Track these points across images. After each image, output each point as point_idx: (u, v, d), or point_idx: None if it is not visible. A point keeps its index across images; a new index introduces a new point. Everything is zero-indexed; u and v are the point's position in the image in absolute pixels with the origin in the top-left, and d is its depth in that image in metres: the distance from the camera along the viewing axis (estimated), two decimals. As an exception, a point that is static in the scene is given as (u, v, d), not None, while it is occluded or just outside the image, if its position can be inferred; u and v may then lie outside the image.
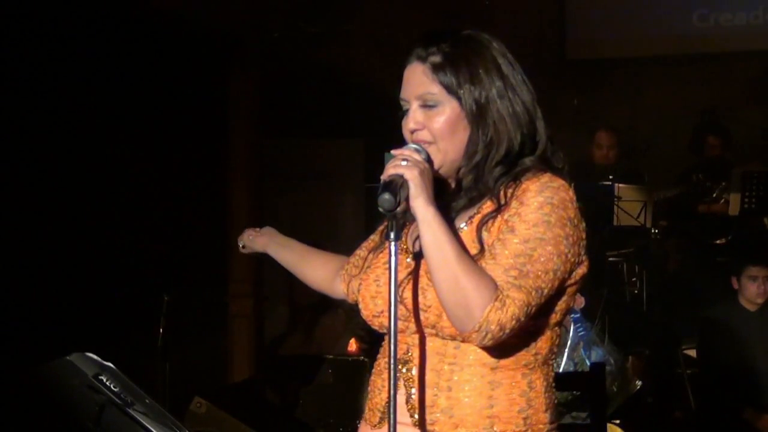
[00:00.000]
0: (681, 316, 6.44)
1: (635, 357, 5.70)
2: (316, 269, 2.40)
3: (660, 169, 7.74)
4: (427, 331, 1.93)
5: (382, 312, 1.97)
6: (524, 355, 1.93)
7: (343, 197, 7.62)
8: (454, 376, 1.91)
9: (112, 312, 5.05)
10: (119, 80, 5.33)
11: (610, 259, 6.87)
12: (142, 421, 2.64)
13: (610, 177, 6.87)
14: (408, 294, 1.92)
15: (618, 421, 4.28)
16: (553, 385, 1.99)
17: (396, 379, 1.83)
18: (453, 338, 1.90)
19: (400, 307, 1.91)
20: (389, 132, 2.04)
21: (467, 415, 1.90)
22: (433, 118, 1.95)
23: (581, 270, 1.95)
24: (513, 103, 1.95)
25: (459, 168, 1.97)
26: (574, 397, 3.76)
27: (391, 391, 1.81)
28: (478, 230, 1.91)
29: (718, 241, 7.18)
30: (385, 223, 1.84)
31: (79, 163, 5.08)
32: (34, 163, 4.84)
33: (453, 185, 2.00)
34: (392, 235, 1.81)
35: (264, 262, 6.16)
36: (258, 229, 2.57)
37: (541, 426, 1.94)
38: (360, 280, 2.06)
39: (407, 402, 1.95)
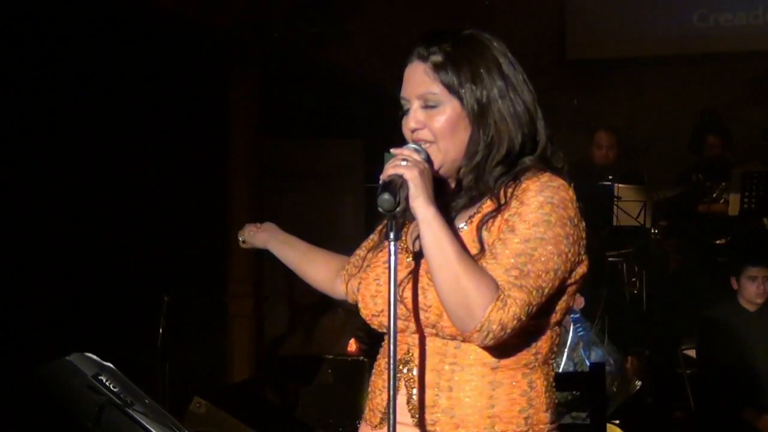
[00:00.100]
0: (681, 316, 6.44)
1: (635, 357, 5.70)
2: (317, 268, 2.39)
3: (660, 169, 7.74)
4: (427, 330, 1.93)
5: (381, 311, 1.97)
6: (525, 355, 1.93)
7: (343, 197, 7.62)
8: (455, 376, 1.91)
9: (112, 312, 5.05)
10: (119, 80, 5.33)
11: (610, 259, 6.87)
12: (141, 421, 2.65)
13: (610, 177, 6.88)
14: (408, 294, 1.92)
15: (618, 421, 4.28)
16: (554, 384, 1.99)
17: (396, 379, 1.83)
18: (453, 338, 1.90)
19: (400, 306, 1.91)
20: (389, 132, 2.04)
21: (468, 415, 1.90)
22: (434, 118, 1.94)
23: (581, 269, 1.95)
24: (514, 103, 1.95)
25: (459, 168, 1.97)
26: (574, 397, 3.76)
27: (391, 392, 1.81)
28: (478, 230, 1.91)
29: (717, 241, 7.18)
30: (385, 223, 1.84)
31: (79, 163, 5.08)
32: (34, 163, 4.84)
33: (453, 185, 2.00)
34: (392, 235, 1.81)
35: (264, 262, 6.18)
36: (259, 224, 2.55)
37: (542, 426, 1.94)
38: (359, 279, 2.05)
39: (408, 402, 1.94)
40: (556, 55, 8.81)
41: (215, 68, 6.24)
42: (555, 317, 1.96)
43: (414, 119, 1.95)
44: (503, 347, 1.88)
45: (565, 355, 3.95)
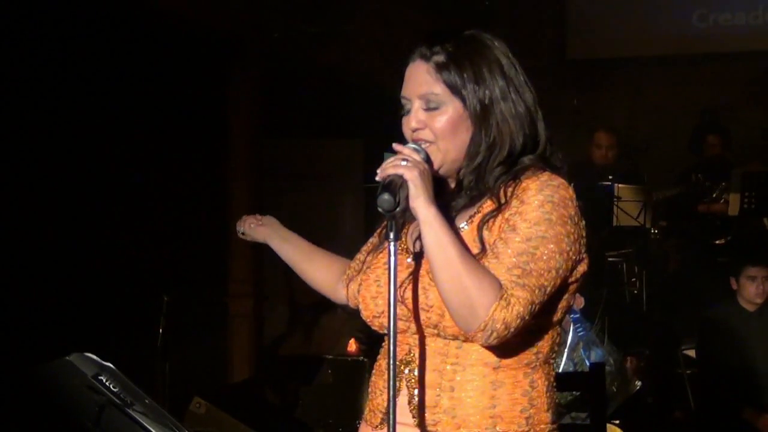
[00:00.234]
0: (681, 316, 6.44)
1: (635, 357, 5.70)
2: (319, 270, 2.36)
3: (660, 169, 7.75)
4: (428, 331, 1.93)
5: (382, 312, 1.97)
6: (526, 355, 1.93)
7: (343, 197, 7.62)
8: (457, 376, 1.91)
9: (112, 312, 5.05)
10: (119, 80, 5.32)
11: (610, 259, 6.87)
12: (141, 421, 2.65)
13: (610, 177, 6.88)
14: (409, 294, 1.92)
15: (618, 421, 4.28)
16: (554, 384, 1.99)
17: (395, 380, 1.83)
18: (455, 338, 1.90)
19: (401, 307, 1.91)
20: (389, 132, 2.04)
21: (470, 415, 1.90)
22: (435, 118, 1.94)
23: (582, 268, 1.95)
24: (516, 104, 1.95)
25: (459, 168, 1.97)
26: (574, 398, 3.76)
27: (391, 392, 1.80)
28: (479, 229, 1.91)
29: (717, 241, 7.19)
30: (384, 224, 1.84)
31: (79, 163, 5.07)
32: (34, 163, 4.84)
33: (452, 185, 2.00)
34: (391, 235, 1.81)
35: (264, 261, 6.17)
36: (260, 216, 2.50)
37: (543, 426, 1.94)
38: (360, 281, 2.05)
39: (410, 403, 1.94)
40: (556, 55, 8.82)
41: (215, 68, 6.24)
42: (556, 316, 1.96)
43: (415, 119, 1.95)
44: (505, 347, 1.88)
45: (565, 355, 3.95)
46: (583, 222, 1.93)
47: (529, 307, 1.81)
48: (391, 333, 1.80)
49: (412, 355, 1.95)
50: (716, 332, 5.26)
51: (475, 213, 1.95)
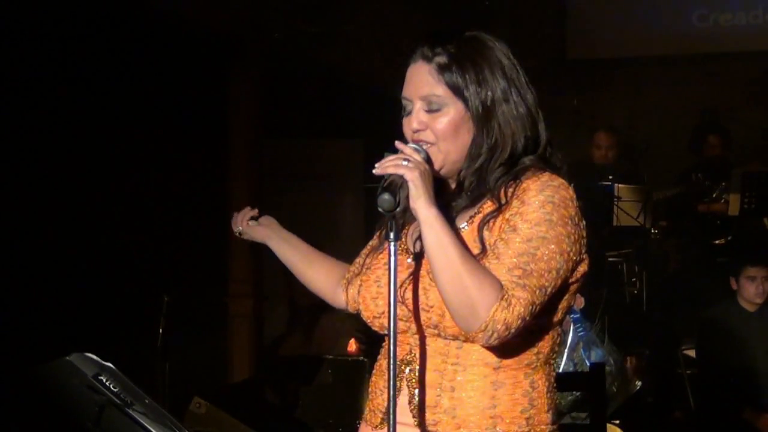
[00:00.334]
0: (681, 316, 6.45)
1: (635, 357, 5.70)
2: (318, 274, 2.33)
3: (660, 169, 7.75)
4: (429, 331, 1.92)
5: (383, 313, 1.97)
6: (527, 355, 1.93)
7: (343, 197, 7.62)
8: (458, 376, 1.91)
9: (112, 312, 5.05)
10: (119, 80, 5.32)
11: (610, 259, 6.88)
12: (141, 421, 2.65)
13: (610, 177, 6.88)
14: (409, 294, 1.92)
15: (618, 422, 4.28)
16: (555, 385, 1.99)
17: (395, 380, 1.82)
18: (456, 338, 1.90)
19: (402, 307, 1.91)
20: (389, 132, 2.04)
21: (470, 415, 1.90)
22: (436, 119, 1.94)
23: (582, 268, 1.95)
24: (517, 105, 1.95)
25: (460, 169, 1.97)
26: (574, 398, 3.76)
27: (391, 392, 1.81)
28: (480, 230, 1.91)
29: (717, 241, 7.19)
30: (384, 226, 1.83)
31: (79, 162, 5.07)
32: (34, 163, 4.84)
33: (453, 185, 2.00)
34: (392, 236, 1.81)
35: (264, 262, 6.16)
36: (256, 212, 2.46)
37: (543, 426, 1.94)
38: (360, 281, 2.05)
39: (410, 403, 1.94)
40: (556, 55, 8.82)
41: (215, 68, 6.24)
42: (556, 316, 1.96)
43: (416, 120, 1.95)
44: (505, 347, 1.88)
45: (565, 355, 3.95)
46: (584, 222, 1.93)
47: (530, 307, 1.81)
48: (392, 333, 1.80)
49: (412, 355, 1.95)
50: (716, 332, 5.26)
51: (475, 213, 1.94)
